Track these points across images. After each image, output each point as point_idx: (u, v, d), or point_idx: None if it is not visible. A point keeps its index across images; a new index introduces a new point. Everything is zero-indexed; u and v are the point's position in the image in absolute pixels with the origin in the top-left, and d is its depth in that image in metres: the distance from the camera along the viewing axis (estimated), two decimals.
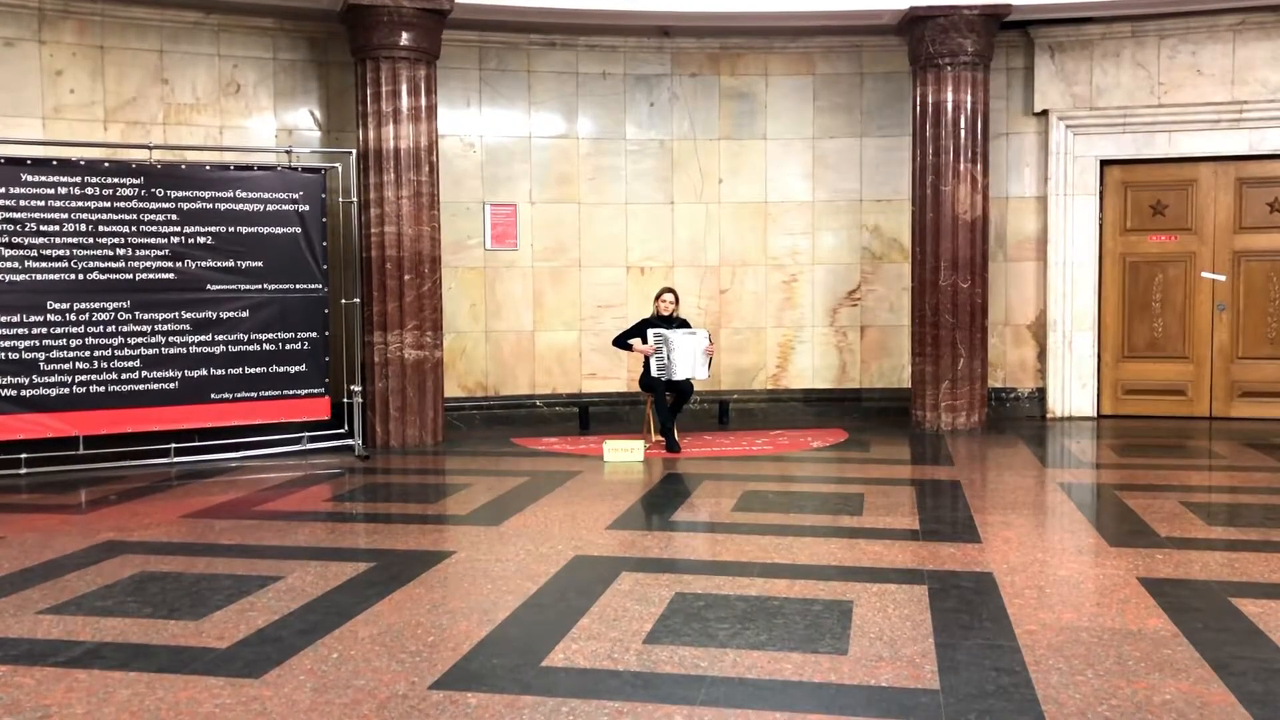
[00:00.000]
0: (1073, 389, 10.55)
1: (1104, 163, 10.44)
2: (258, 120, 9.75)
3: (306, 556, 5.53)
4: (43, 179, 7.91)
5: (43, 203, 7.90)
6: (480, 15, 9.68)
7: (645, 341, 9.01)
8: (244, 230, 8.53)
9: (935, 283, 9.75)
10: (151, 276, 8.21)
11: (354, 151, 9.17)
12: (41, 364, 7.89)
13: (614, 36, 10.57)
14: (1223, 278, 10.26)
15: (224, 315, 8.45)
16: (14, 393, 7.84)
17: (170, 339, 8.28)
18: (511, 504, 6.75)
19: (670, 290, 9.28)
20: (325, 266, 8.89)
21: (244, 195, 8.54)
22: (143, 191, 8.20)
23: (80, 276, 8.02)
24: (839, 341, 11.00)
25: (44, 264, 7.90)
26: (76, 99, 9.04)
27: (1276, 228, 10.22)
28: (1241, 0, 9.66)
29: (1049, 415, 10.53)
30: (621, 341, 9.27)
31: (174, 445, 8.33)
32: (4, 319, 7.79)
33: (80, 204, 8.00)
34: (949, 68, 9.64)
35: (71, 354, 7.99)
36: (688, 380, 8.97)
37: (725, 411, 10.62)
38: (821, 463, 8.48)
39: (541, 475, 7.77)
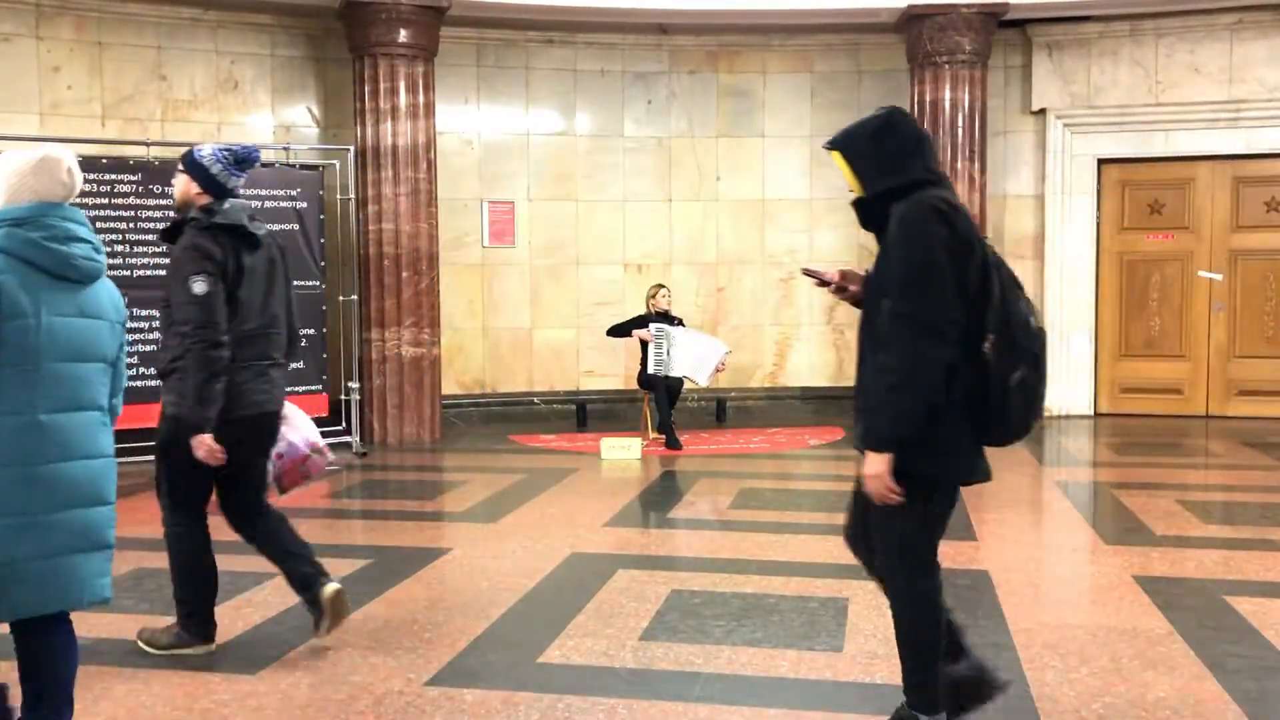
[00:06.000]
0: (1070, 387, 10.56)
1: (1101, 161, 10.45)
2: (255, 117, 9.74)
3: None
4: None
5: None
6: (478, 12, 9.67)
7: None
8: None
9: None
10: (149, 273, 8.19)
11: (352, 148, 9.17)
12: None
13: (612, 34, 10.56)
14: (1220, 277, 10.27)
15: None
16: None
17: None
18: (508, 501, 6.76)
19: (665, 286, 9.55)
20: (323, 264, 8.89)
21: (241, 192, 8.42)
22: (140, 188, 8.19)
23: None
24: (836, 339, 11.00)
25: None
26: (74, 95, 9.03)
27: (1273, 227, 10.22)
28: None
29: (1046, 413, 10.51)
30: (619, 329, 9.39)
31: None
32: None
33: (77, 200, 7.96)
34: (947, 66, 9.65)
35: None
36: (679, 378, 9.07)
37: (722, 409, 10.63)
38: (818, 460, 8.49)
39: (538, 472, 7.77)
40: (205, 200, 3.83)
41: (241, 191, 3.95)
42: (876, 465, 2.85)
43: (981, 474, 3.00)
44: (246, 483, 4.05)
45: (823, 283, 3.21)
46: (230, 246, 3.81)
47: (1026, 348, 2.84)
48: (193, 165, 3.85)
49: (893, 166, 2.93)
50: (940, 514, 3.00)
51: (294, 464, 4.16)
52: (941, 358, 2.79)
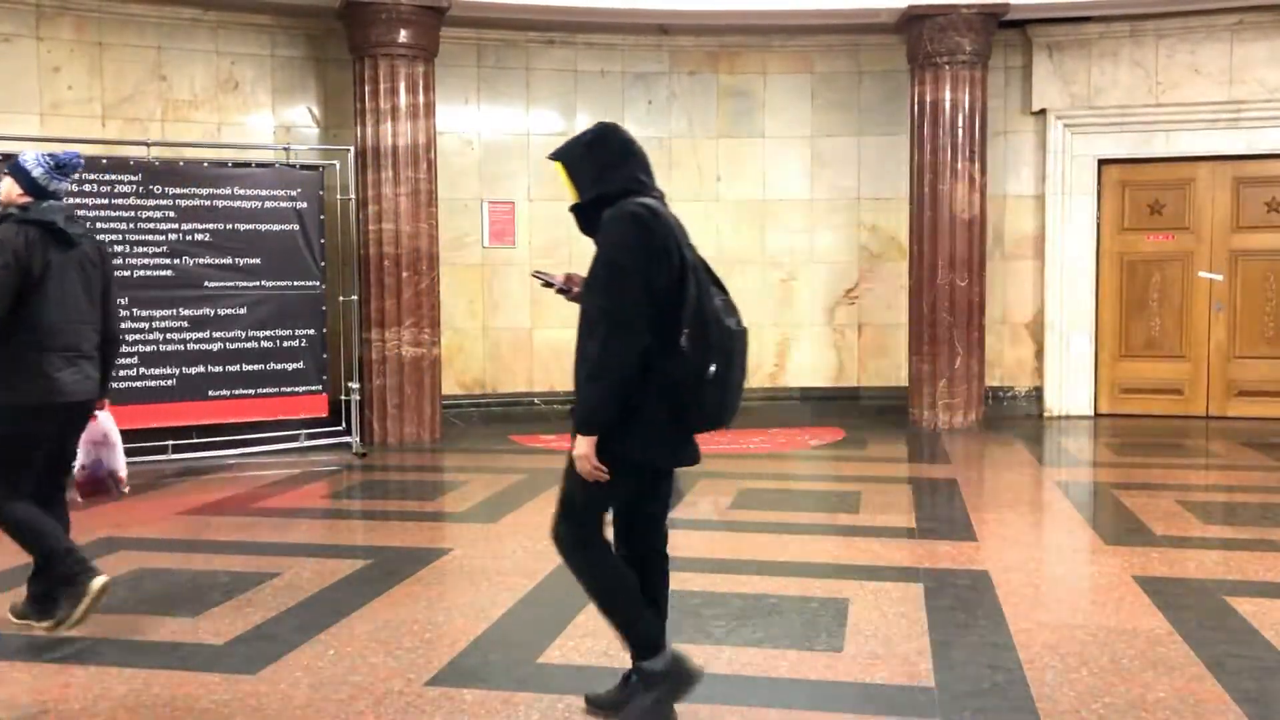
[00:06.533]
0: (1070, 387, 10.55)
1: (1102, 162, 10.45)
2: (256, 117, 9.74)
3: (303, 553, 5.54)
4: None
5: None
6: (479, 13, 9.67)
7: None
8: (242, 227, 8.52)
9: (933, 281, 9.75)
10: (149, 274, 8.18)
11: (352, 149, 9.17)
12: None
13: (612, 34, 10.56)
14: (1220, 277, 10.27)
15: (222, 312, 8.44)
16: None
17: (168, 336, 8.26)
18: (508, 501, 6.76)
19: None
20: (323, 264, 8.89)
21: (242, 192, 8.54)
22: (140, 188, 8.18)
23: None
24: (837, 340, 11.01)
25: None
26: (74, 95, 9.03)
27: (1274, 227, 10.22)
28: (1240, 0, 9.67)
29: (1046, 414, 10.54)
30: None
31: (171, 442, 8.31)
32: None
33: (77, 200, 7.95)
34: (947, 66, 9.64)
35: None
36: None
37: None
38: (819, 461, 8.49)
39: (538, 473, 7.77)
40: (25, 201, 4.21)
41: (65, 194, 4.31)
42: (582, 447, 3.13)
43: (688, 458, 3.37)
44: (48, 470, 4.25)
45: (548, 284, 3.50)
46: (39, 241, 4.11)
47: (720, 345, 3.19)
48: (16, 170, 4.24)
49: (602, 176, 3.21)
50: (626, 493, 3.28)
51: (93, 480, 4.44)
52: (633, 348, 3.08)
